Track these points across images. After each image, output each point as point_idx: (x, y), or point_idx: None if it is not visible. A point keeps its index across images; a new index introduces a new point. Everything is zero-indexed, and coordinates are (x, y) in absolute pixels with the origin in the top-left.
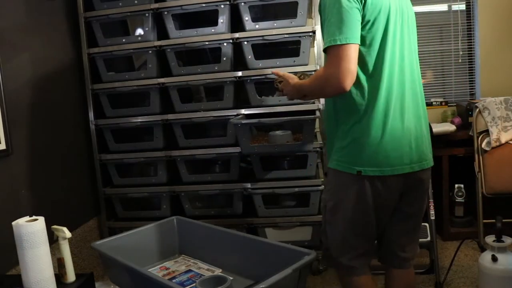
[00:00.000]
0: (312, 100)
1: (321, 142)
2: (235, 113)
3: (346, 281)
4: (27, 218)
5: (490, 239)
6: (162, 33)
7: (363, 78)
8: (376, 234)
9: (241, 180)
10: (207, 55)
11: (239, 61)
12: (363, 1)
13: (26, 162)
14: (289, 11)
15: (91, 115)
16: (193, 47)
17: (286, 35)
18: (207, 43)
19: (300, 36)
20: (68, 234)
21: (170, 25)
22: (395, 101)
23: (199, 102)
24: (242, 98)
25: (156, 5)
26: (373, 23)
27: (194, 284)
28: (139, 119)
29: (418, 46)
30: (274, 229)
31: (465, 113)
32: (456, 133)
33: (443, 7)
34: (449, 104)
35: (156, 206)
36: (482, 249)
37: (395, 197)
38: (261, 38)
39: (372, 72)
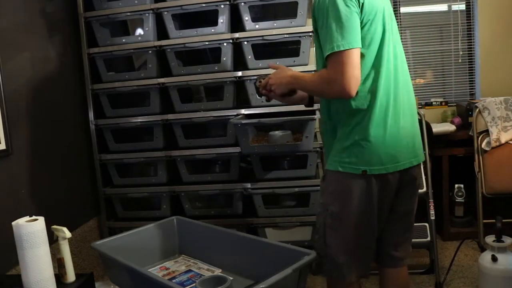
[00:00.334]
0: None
1: (321, 142)
2: (235, 113)
3: None
4: (27, 218)
5: (490, 239)
6: (162, 33)
7: (363, 78)
8: (375, 239)
9: (241, 180)
10: (207, 55)
11: (239, 61)
12: (360, 4)
13: (26, 162)
14: (289, 11)
15: (91, 115)
16: (193, 47)
17: (286, 35)
18: (207, 43)
19: (300, 36)
20: (68, 234)
21: (170, 25)
22: (393, 100)
23: (199, 102)
24: (242, 98)
25: (156, 5)
26: (371, 24)
27: (194, 284)
28: (139, 119)
29: (418, 46)
30: (274, 229)
31: (465, 113)
32: (456, 133)
33: (443, 7)
34: (449, 104)
35: (156, 206)
36: (482, 249)
37: (393, 195)
38: (261, 38)
39: (371, 72)
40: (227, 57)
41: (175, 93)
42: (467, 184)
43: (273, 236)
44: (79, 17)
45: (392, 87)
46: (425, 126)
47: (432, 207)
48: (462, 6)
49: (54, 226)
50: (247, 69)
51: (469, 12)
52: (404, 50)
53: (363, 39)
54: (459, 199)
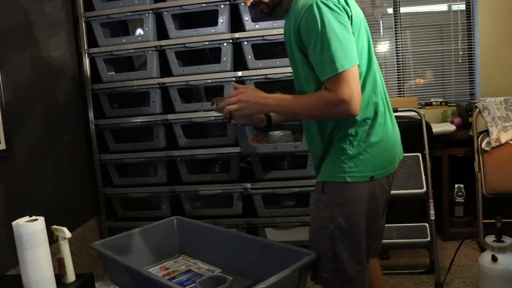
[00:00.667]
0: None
1: None
2: None
3: None
4: (27, 218)
5: (490, 239)
6: (162, 33)
7: (369, 91)
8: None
9: (241, 180)
10: (207, 55)
11: (239, 61)
12: (349, 17)
13: (26, 162)
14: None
15: (91, 115)
16: (193, 47)
17: None
18: (207, 43)
19: None
20: (68, 234)
21: (170, 25)
22: (386, 104)
23: (199, 102)
24: None
25: (156, 5)
26: (359, 34)
27: (194, 284)
28: (139, 119)
29: (419, 46)
30: (274, 229)
31: (465, 113)
32: (456, 133)
33: (443, 7)
34: (449, 104)
35: (156, 206)
36: (482, 249)
37: (389, 194)
38: (261, 38)
39: (367, 80)
40: (227, 57)
41: (175, 93)
42: (467, 184)
43: (273, 236)
44: (79, 17)
45: (383, 92)
46: (425, 126)
47: (432, 207)
48: (462, 6)
49: (54, 226)
50: (247, 69)
51: (469, 12)
52: (404, 50)
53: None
54: (459, 199)
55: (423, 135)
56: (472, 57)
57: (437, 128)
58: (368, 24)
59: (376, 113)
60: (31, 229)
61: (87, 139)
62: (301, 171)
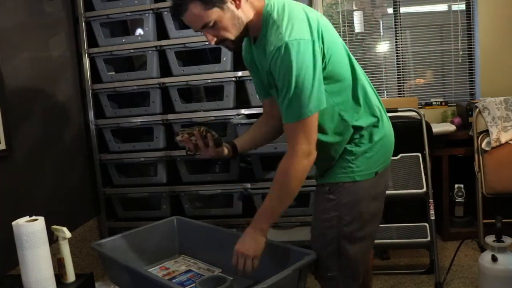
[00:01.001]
0: None
1: None
2: (235, 113)
3: None
4: (27, 218)
5: (490, 239)
6: (162, 33)
7: (362, 100)
8: None
9: (241, 180)
10: (207, 55)
11: (239, 61)
12: (323, 42)
13: (26, 162)
14: None
15: (91, 115)
16: (193, 47)
17: None
18: (207, 43)
19: None
20: (68, 234)
21: (170, 25)
22: (379, 101)
23: (199, 102)
24: (242, 98)
25: (156, 5)
26: (337, 53)
27: (194, 284)
28: (139, 119)
29: (419, 46)
30: (274, 229)
31: (465, 113)
32: (456, 133)
33: (443, 7)
34: (449, 104)
35: (156, 206)
36: (482, 249)
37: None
38: None
39: (360, 91)
40: (227, 57)
41: (175, 93)
42: (467, 184)
43: (273, 236)
44: (79, 17)
45: (373, 90)
46: (425, 126)
47: (432, 207)
48: (462, 6)
49: (54, 226)
50: (247, 69)
51: (469, 12)
52: (404, 50)
53: (340, 70)
54: (459, 199)
55: (423, 135)
56: (472, 57)
57: (437, 128)
58: (368, 24)
59: (377, 116)
60: (31, 229)
61: (87, 139)
62: None
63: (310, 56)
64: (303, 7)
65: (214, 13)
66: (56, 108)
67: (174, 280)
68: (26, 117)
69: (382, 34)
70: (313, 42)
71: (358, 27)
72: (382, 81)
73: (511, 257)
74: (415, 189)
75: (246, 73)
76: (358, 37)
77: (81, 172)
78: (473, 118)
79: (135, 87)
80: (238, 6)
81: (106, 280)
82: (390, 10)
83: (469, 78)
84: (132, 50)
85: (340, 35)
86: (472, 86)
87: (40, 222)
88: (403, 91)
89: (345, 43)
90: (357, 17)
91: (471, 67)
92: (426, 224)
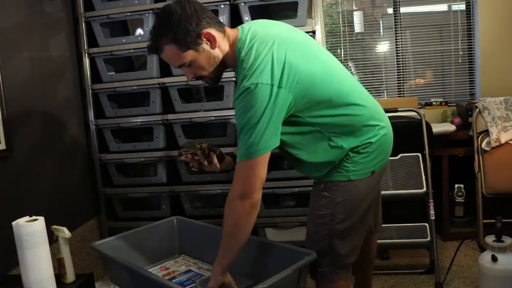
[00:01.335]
0: None
1: None
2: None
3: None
4: (27, 218)
5: (490, 239)
6: None
7: (358, 109)
8: None
9: None
10: None
11: None
12: (289, 68)
13: (26, 162)
14: (289, 12)
15: (91, 115)
16: None
17: None
18: None
19: None
20: (68, 234)
21: None
22: (372, 100)
23: (199, 102)
24: None
25: (156, 5)
26: (315, 79)
27: (194, 284)
28: (139, 119)
29: (419, 46)
30: (274, 229)
31: (465, 113)
32: (456, 133)
33: (443, 7)
34: (449, 104)
35: (156, 206)
36: (482, 249)
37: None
38: None
39: (353, 98)
40: None
41: (175, 93)
42: (467, 184)
43: (273, 236)
44: (79, 17)
45: (362, 90)
46: (425, 126)
47: (432, 207)
48: (462, 6)
49: (54, 226)
50: None
51: (469, 12)
52: (404, 50)
53: (324, 91)
54: (459, 199)
55: (423, 135)
56: (472, 57)
57: (437, 128)
58: (368, 24)
59: (374, 124)
60: (31, 229)
61: (87, 139)
62: None
63: (265, 100)
64: (273, 41)
65: (189, 55)
66: (56, 108)
67: (174, 280)
68: (26, 117)
69: (382, 34)
70: (272, 86)
71: (358, 27)
72: (382, 81)
73: (511, 257)
74: (415, 189)
75: None
76: (358, 37)
77: (81, 172)
78: (473, 118)
79: (135, 87)
80: (213, 47)
81: (106, 280)
82: (390, 10)
83: (469, 78)
84: (132, 50)
85: (340, 35)
86: (472, 86)
87: (40, 222)
88: (403, 91)
89: (345, 43)
90: (357, 17)
91: (471, 67)
92: (426, 224)
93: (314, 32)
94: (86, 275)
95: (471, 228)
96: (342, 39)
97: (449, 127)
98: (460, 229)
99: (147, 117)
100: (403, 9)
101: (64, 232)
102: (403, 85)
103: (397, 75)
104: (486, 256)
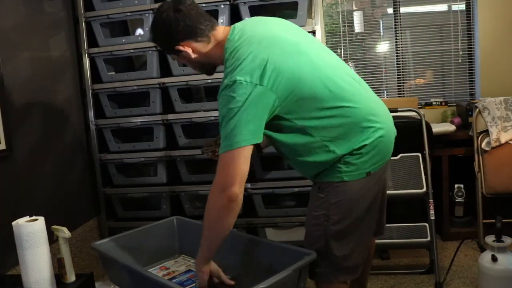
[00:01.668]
0: None
1: None
2: None
3: None
4: (27, 218)
5: (490, 239)
6: None
7: (349, 110)
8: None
9: None
10: None
11: None
12: (272, 69)
13: (26, 162)
14: (289, 11)
15: (91, 115)
16: None
17: None
18: None
19: None
20: (68, 234)
21: None
22: (373, 99)
23: (199, 102)
24: None
25: (156, 5)
26: (301, 75)
27: (194, 284)
28: (139, 119)
29: (419, 46)
30: (274, 229)
31: (465, 113)
32: (456, 133)
33: (443, 7)
34: (449, 104)
35: (156, 206)
36: (482, 249)
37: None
38: None
39: (343, 99)
40: None
41: (175, 93)
42: (467, 184)
43: (273, 236)
44: (79, 17)
45: (358, 91)
46: (425, 126)
47: (432, 207)
48: (462, 6)
49: (54, 226)
50: None
51: (469, 12)
52: (404, 50)
53: (315, 90)
54: (459, 199)
55: (423, 135)
56: (472, 57)
57: (437, 128)
58: (368, 24)
59: (370, 126)
60: (31, 229)
61: (87, 139)
62: None
63: (244, 95)
64: (259, 41)
65: (174, 56)
66: (56, 108)
67: (174, 280)
68: (26, 117)
69: (382, 34)
70: (250, 84)
71: (358, 27)
72: (382, 81)
73: (511, 257)
74: (415, 189)
75: None
76: (358, 37)
77: (81, 172)
78: (473, 118)
79: (135, 87)
80: (193, 55)
81: (106, 280)
82: (390, 10)
83: (469, 78)
84: (132, 50)
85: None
86: (472, 86)
87: (40, 222)
88: (403, 91)
89: (345, 43)
90: (357, 17)
91: (471, 67)
92: (426, 224)
93: (314, 32)
94: (86, 275)
95: (471, 228)
96: (342, 39)
97: (449, 127)
98: (460, 229)
99: (147, 117)
100: (403, 9)
101: (64, 232)
102: (403, 85)
103: (397, 75)
104: (486, 256)
